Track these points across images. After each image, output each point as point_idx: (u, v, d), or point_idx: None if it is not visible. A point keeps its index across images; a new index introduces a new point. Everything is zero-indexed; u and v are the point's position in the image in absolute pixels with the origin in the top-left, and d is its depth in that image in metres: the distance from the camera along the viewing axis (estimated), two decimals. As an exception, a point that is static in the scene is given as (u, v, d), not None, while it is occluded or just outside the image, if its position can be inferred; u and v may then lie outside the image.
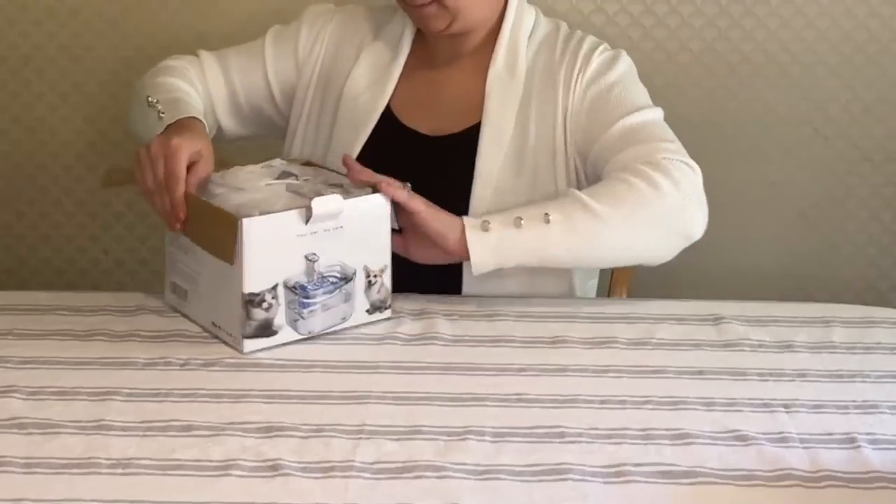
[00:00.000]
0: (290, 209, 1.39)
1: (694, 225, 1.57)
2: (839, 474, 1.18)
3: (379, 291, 1.48)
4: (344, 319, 1.46)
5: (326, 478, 1.16)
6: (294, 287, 1.41)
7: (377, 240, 1.47)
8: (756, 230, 2.27)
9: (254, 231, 1.36)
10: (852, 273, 2.30)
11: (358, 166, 1.50)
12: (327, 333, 1.45)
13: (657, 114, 1.67)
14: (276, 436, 1.23)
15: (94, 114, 2.21)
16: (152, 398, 1.30)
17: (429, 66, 1.74)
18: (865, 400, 1.34)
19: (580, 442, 1.23)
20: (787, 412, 1.31)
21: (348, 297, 1.46)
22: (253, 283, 1.38)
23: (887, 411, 1.31)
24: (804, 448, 1.23)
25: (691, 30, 2.14)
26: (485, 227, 1.50)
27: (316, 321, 1.44)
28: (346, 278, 1.45)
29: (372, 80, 1.73)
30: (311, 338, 1.44)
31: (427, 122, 1.70)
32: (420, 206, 1.50)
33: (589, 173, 1.66)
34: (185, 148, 1.44)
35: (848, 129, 2.20)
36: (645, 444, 1.23)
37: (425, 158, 1.67)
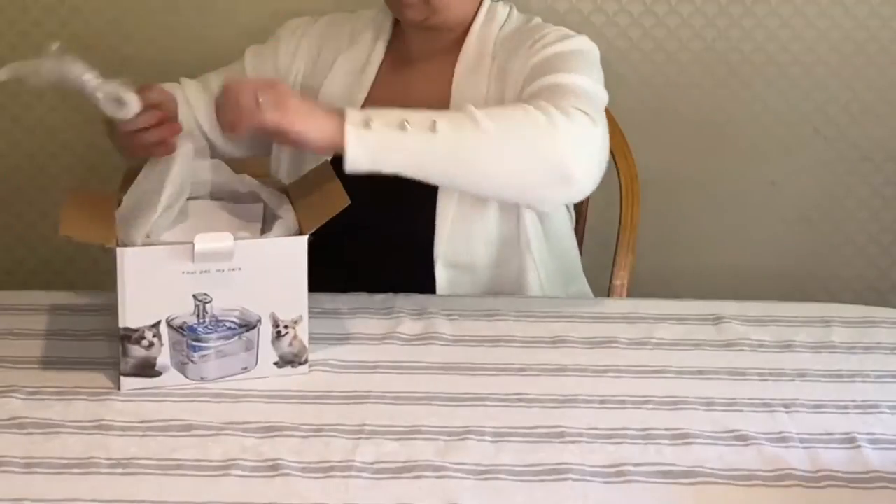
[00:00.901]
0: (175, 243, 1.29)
1: (574, 168, 1.46)
2: (839, 474, 1.18)
3: (291, 344, 1.35)
4: (245, 369, 1.35)
5: (326, 478, 1.16)
6: (181, 327, 1.30)
7: (290, 286, 1.34)
8: (756, 230, 2.27)
9: (132, 262, 1.27)
10: (852, 273, 2.30)
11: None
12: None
13: (595, 87, 1.59)
14: (276, 436, 1.23)
15: (94, 114, 2.20)
16: (152, 398, 1.30)
17: (402, 67, 1.73)
18: (865, 400, 1.34)
19: (580, 442, 1.23)
20: (787, 412, 1.31)
21: (250, 346, 1.34)
22: (130, 317, 1.29)
23: (887, 411, 1.31)
24: (804, 448, 1.23)
25: (691, 30, 2.14)
26: (366, 124, 1.39)
27: (209, 368, 1.33)
28: (247, 325, 1.33)
29: (346, 85, 1.72)
30: (310, 338, 1.43)
31: None
32: (286, 121, 1.38)
33: None
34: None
35: (848, 129, 2.20)
36: (645, 444, 1.23)
37: None
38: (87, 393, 1.31)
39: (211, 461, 1.18)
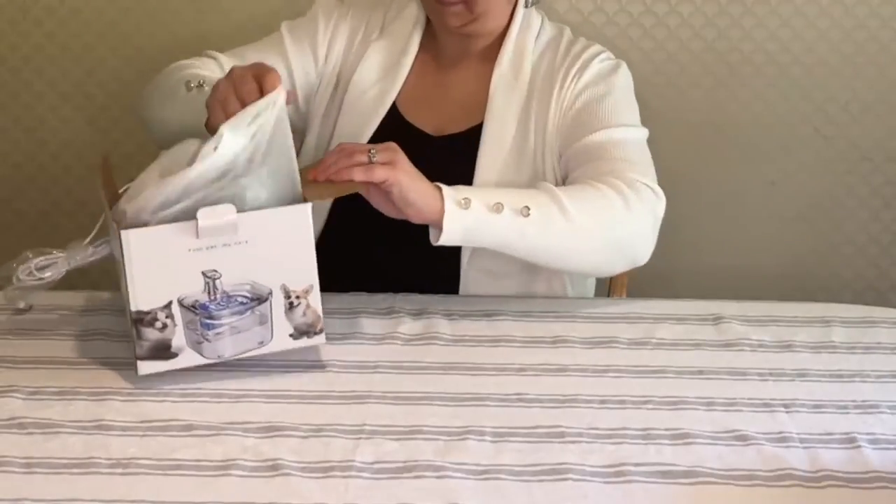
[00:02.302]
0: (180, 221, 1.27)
1: (646, 254, 1.58)
2: (839, 474, 1.18)
3: (304, 314, 1.35)
4: (261, 344, 1.35)
5: (326, 478, 1.16)
6: (193, 306, 1.30)
7: (298, 256, 1.33)
8: (756, 230, 2.27)
9: (138, 243, 1.26)
10: (852, 273, 2.30)
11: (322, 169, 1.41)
12: (253, 357, 1.36)
13: (641, 134, 1.66)
14: (276, 436, 1.23)
15: (94, 114, 2.21)
16: (152, 398, 1.30)
17: (436, 65, 1.74)
18: (865, 400, 1.34)
19: (580, 442, 1.24)
20: (787, 412, 1.31)
21: (264, 320, 1.34)
22: (141, 300, 1.28)
23: (887, 411, 1.31)
24: (804, 448, 1.23)
25: (691, 30, 2.14)
26: (465, 205, 1.44)
27: (225, 345, 1.33)
28: (259, 299, 1.33)
29: (380, 76, 1.72)
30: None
31: (431, 120, 1.70)
32: (394, 178, 1.40)
33: (558, 174, 1.67)
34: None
35: (848, 129, 2.20)
36: (645, 444, 1.24)
37: (427, 157, 1.67)
38: (87, 393, 1.31)
39: (211, 461, 1.18)
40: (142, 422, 1.25)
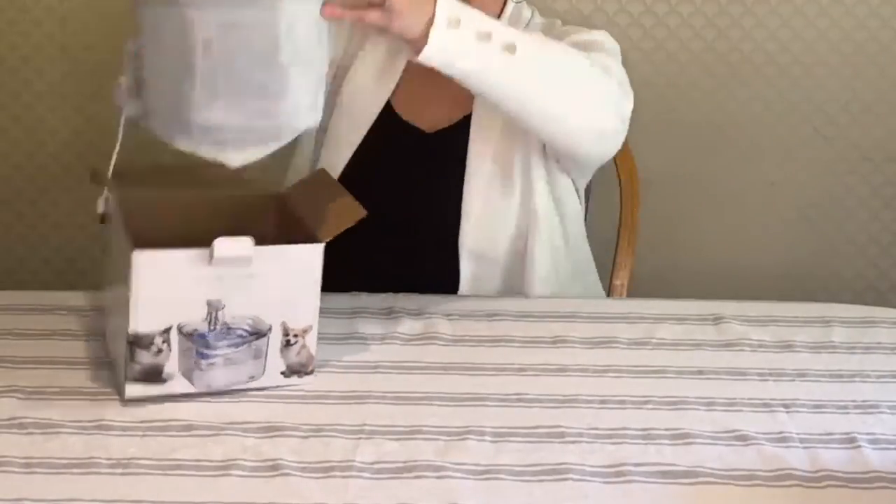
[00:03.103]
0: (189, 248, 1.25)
1: (627, 107, 1.56)
2: (839, 474, 1.18)
3: (299, 354, 1.33)
4: (252, 378, 1.32)
5: (326, 478, 1.16)
6: (191, 334, 1.27)
7: (302, 295, 1.31)
8: (756, 230, 2.27)
9: (147, 265, 1.23)
10: (852, 273, 2.30)
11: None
12: (233, 390, 1.32)
13: (616, 45, 1.64)
14: (276, 436, 1.23)
15: (94, 114, 2.21)
16: (152, 398, 1.30)
17: None
18: (865, 400, 1.34)
19: (580, 442, 1.23)
20: (787, 412, 1.31)
21: (259, 355, 1.31)
22: (141, 322, 1.25)
23: (887, 411, 1.31)
24: (804, 448, 1.23)
25: (691, 30, 2.14)
26: (454, 24, 1.39)
27: (216, 375, 1.30)
28: (258, 333, 1.30)
29: (375, 76, 1.72)
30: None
31: (425, 117, 1.70)
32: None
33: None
34: None
35: (848, 129, 2.20)
36: (645, 444, 1.24)
37: (421, 154, 1.68)
38: (87, 393, 1.31)
39: (211, 461, 1.18)
40: (142, 422, 1.25)
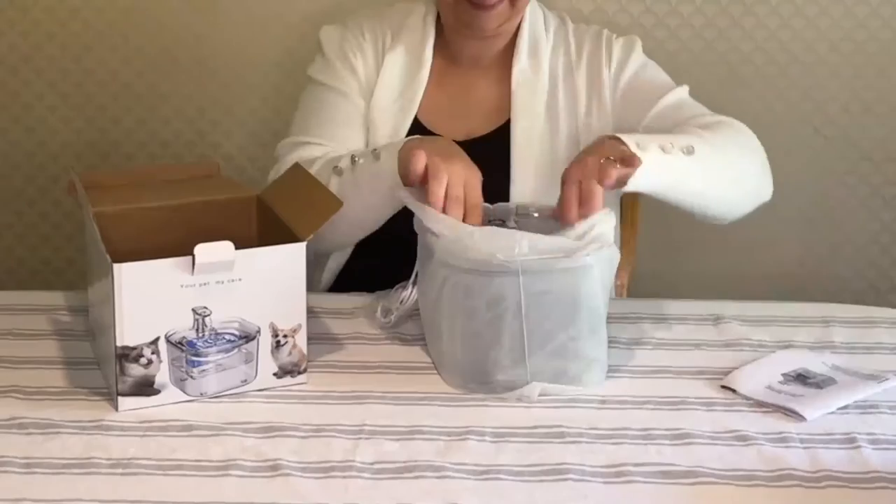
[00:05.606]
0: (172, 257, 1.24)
1: (770, 181, 1.68)
2: (839, 474, 1.18)
3: (290, 353, 1.33)
4: (245, 382, 1.32)
5: (326, 478, 1.16)
6: (180, 343, 1.27)
7: (289, 295, 1.31)
8: (756, 230, 2.27)
9: (129, 278, 1.22)
10: (852, 273, 2.30)
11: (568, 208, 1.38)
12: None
13: (685, 90, 1.71)
14: (276, 436, 1.23)
15: (94, 114, 2.21)
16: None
17: (452, 72, 1.73)
18: (865, 400, 1.34)
19: (580, 442, 1.23)
20: (787, 412, 1.31)
21: (250, 358, 1.31)
22: (128, 335, 1.24)
23: (887, 411, 1.31)
24: (804, 448, 1.23)
25: (691, 30, 2.14)
26: (642, 147, 1.42)
27: (209, 382, 1.30)
28: (247, 337, 1.30)
29: (398, 93, 1.71)
30: (309, 338, 1.42)
31: (456, 127, 1.69)
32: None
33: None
34: (479, 177, 1.40)
35: (848, 129, 2.20)
36: (645, 444, 1.23)
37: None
38: (87, 393, 1.31)
39: (211, 461, 1.18)
40: (142, 422, 1.25)
